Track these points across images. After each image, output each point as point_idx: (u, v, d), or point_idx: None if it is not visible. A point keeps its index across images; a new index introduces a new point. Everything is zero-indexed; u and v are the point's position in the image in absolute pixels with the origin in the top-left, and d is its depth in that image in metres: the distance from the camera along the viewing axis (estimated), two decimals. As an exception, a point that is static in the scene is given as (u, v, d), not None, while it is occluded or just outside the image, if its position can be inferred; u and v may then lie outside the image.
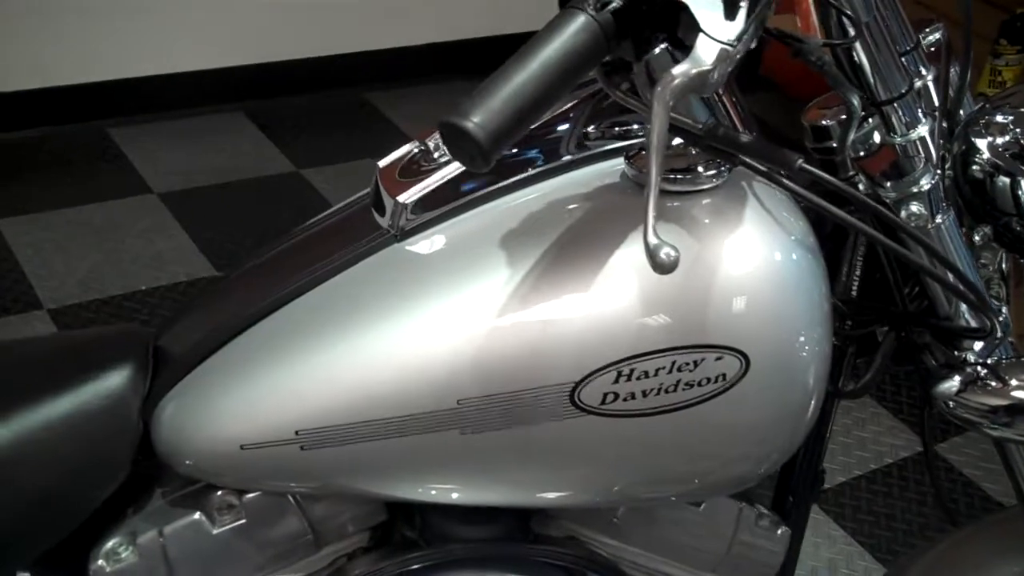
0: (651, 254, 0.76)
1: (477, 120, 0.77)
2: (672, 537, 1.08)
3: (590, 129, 1.00)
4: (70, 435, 0.95)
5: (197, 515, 0.98)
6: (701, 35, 0.80)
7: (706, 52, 0.80)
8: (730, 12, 0.81)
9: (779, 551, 1.11)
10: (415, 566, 1.01)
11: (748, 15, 0.81)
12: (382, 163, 1.02)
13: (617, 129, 1.01)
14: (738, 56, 0.81)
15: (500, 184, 0.97)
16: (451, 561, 1.01)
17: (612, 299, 0.90)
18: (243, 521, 0.98)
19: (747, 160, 0.87)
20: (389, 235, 0.96)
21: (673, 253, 0.76)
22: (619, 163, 0.96)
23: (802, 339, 0.93)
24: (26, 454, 0.94)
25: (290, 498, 1.00)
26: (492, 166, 0.79)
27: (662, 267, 0.76)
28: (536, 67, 0.79)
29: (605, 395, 0.90)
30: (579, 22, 0.80)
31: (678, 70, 0.79)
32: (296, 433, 0.92)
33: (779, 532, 1.10)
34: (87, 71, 3.07)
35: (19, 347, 1.11)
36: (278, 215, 2.87)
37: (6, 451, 0.93)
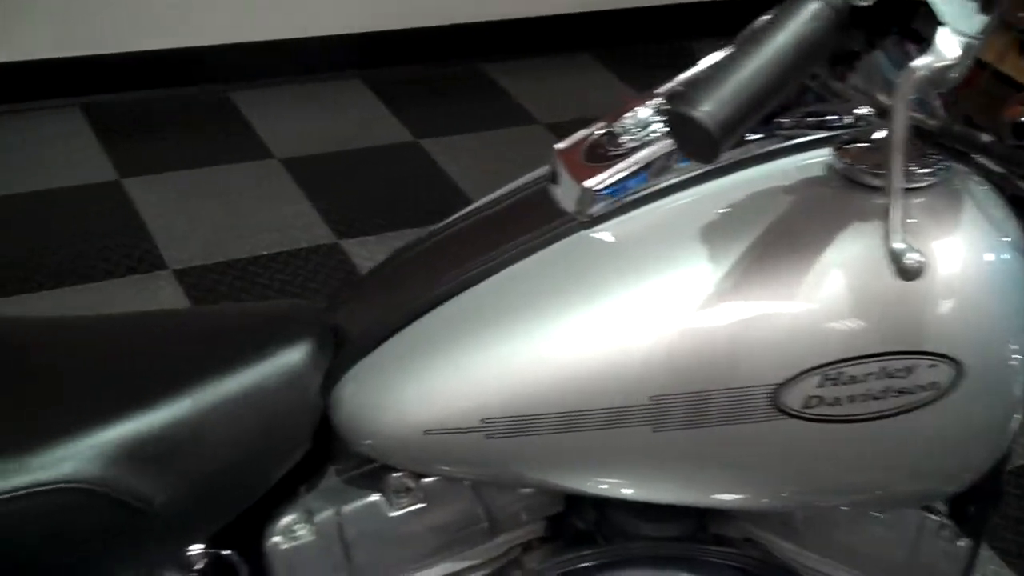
0: (896, 258, 0.73)
1: (707, 109, 0.74)
2: (852, 544, 1.04)
3: (783, 119, 0.97)
4: (252, 409, 0.95)
5: (376, 496, 0.97)
6: (941, 28, 0.76)
7: (948, 46, 0.76)
8: (973, 3, 0.77)
9: (959, 563, 1.07)
10: (593, 562, 0.99)
11: (990, 6, 0.77)
12: (560, 145, 0.99)
13: (811, 119, 0.97)
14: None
15: (694, 173, 0.93)
16: (629, 559, 0.99)
17: (821, 299, 0.87)
18: (421, 505, 0.97)
19: (980, 161, 0.83)
20: (576, 221, 0.93)
21: (919, 258, 0.73)
22: (821, 154, 0.92)
23: (1015, 349, 0.88)
24: (209, 427, 0.93)
25: (467, 484, 0.99)
26: (719, 158, 0.76)
27: (907, 272, 0.73)
28: (769, 55, 0.76)
29: (808, 399, 0.87)
30: (813, 9, 0.76)
31: (920, 63, 0.75)
32: (482, 421, 0.90)
33: (960, 543, 1.06)
34: (209, 34, 3.08)
35: (194, 318, 1.11)
36: (396, 184, 2.87)
37: (189, 423, 0.92)
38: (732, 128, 0.75)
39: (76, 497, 0.87)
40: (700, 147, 0.75)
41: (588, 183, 0.93)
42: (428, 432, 0.91)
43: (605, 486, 0.95)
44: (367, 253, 2.61)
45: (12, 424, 0.90)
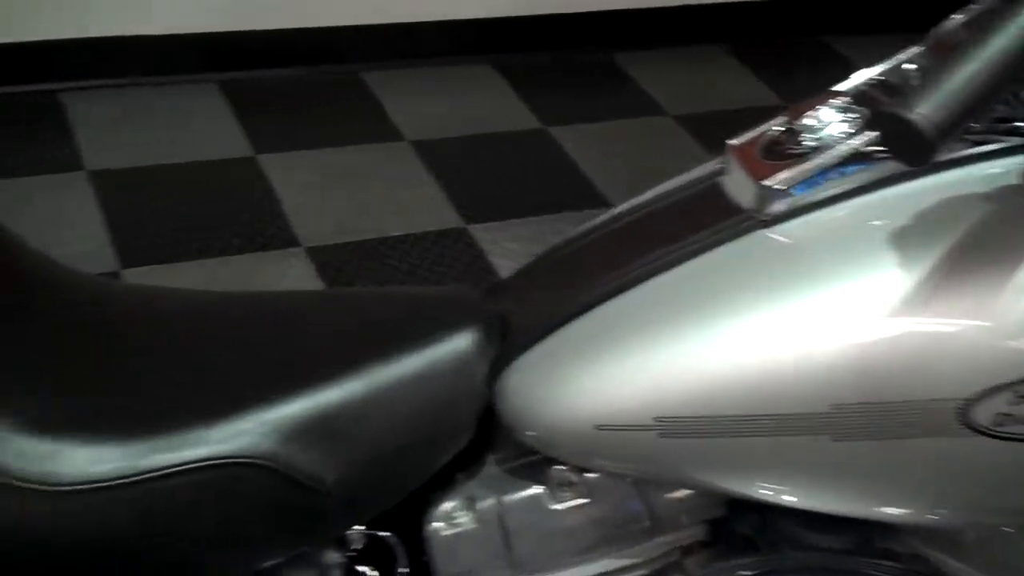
0: None
1: (924, 112, 0.72)
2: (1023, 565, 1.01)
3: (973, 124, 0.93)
4: (420, 394, 0.95)
5: (538, 488, 0.97)
6: None
7: None
8: None
9: None
10: (755, 571, 0.97)
11: None
12: (734, 142, 0.97)
13: (1002, 125, 0.93)
14: None
15: (879, 176, 0.90)
16: (792, 568, 0.97)
17: (1015, 312, 0.83)
18: (584, 500, 0.96)
19: None
20: (755, 220, 0.91)
21: None
22: (1015, 162, 0.89)
23: None
24: (379, 409, 0.93)
25: (629, 481, 0.97)
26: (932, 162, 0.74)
27: None
28: (991, 57, 0.73)
29: (998, 416, 0.83)
30: None
31: None
32: (655, 419, 0.89)
33: None
34: (345, 14, 3.11)
35: (363, 299, 1.12)
36: (524, 171, 2.86)
37: (360, 405, 0.92)
38: (948, 132, 0.72)
39: (249, 472, 0.88)
40: (913, 150, 0.73)
41: (768, 181, 0.91)
42: (600, 427, 0.90)
43: (774, 492, 0.93)
44: (492, 239, 2.61)
45: (189, 396, 0.91)
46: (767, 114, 0.99)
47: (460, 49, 3.28)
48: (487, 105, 3.13)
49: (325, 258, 2.48)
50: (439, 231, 2.62)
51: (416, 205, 2.70)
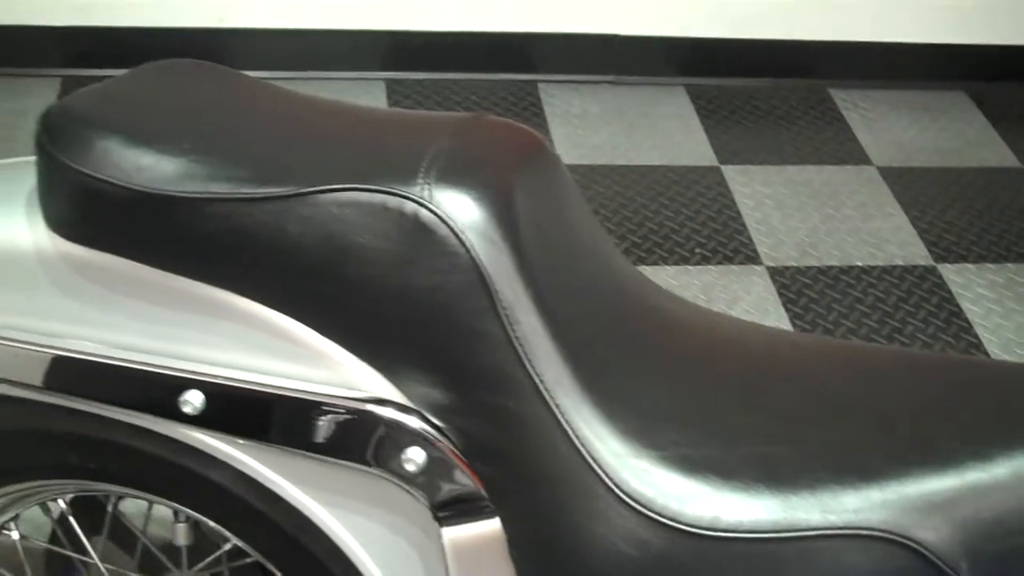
0: None
1: None
2: None
3: None
4: None
5: None
6: None
7: None
8: None
9: None
10: None
11: None
12: None
13: None
14: None
15: None
16: None
17: None
18: None
19: None
20: None
21: None
22: None
23: None
24: (1003, 494, 0.86)
25: None
26: None
27: None
28: None
29: None
30: None
31: None
32: None
33: None
34: (813, 30, 3.02)
35: (958, 367, 1.04)
36: (999, 211, 2.67)
37: (987, 487, 0.85)
38: None
39: (878, 548, 0.83)
40: None
41: None
42: None
43: None
44: (964, 281, 2.46)
45: (836, 454, 0.87)
46: None
47: (932, 74, 3.12)
48: (961, 136, 2.95)
49: (786, 280, 2.42)
50: (906, 266, 2.49)
51: (882, 235, 2.58)
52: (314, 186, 0.84)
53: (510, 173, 0.87)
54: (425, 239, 0.84)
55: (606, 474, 0.83)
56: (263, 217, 0.84)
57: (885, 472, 0.84)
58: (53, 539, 1.26)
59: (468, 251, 0.83)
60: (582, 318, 0.88)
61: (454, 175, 0.85)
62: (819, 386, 0.93)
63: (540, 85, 2.96)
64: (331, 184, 0.84)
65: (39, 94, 2.72)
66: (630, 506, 0.83)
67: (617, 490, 0.83)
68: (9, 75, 2.77)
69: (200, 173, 0.86)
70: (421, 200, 0.84)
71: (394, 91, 2.89)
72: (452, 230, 0.83)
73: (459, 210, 0.83)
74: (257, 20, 2.81)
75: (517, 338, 0.84)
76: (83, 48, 2.78)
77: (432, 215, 0.83)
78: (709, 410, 0.88)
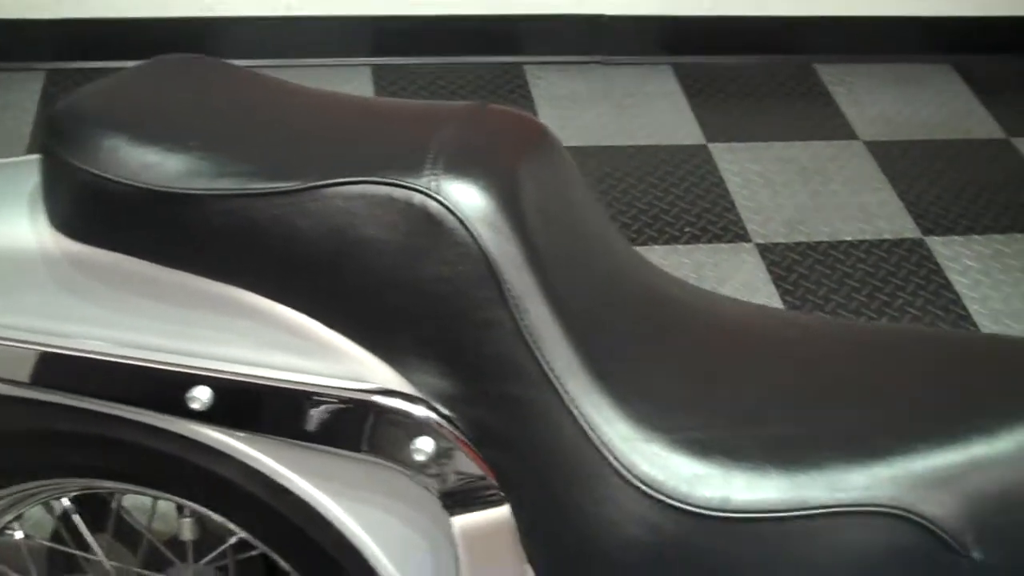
0: None
1: None
2: None
3: None
4: None
5: None
6: None
7: None
8: None
9: None
10: None
11: None
12: None
13: None
14: None
15: None
16: None
17: None
18: None
19: None
20: None
21: None
22: None
23: None
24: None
25: None
26: None
27: None
28: None
29: None
30: None
31: None
32: None
33: None
34: (799, 4, 3.02)
35: (955, 343, 1.05)
36: (985, 184, 2.68)
37: (1004, 464, 0.86)
38: None
39: (886, 524, 0.84)
40: None
41: None
42: None
43: None
44: (951, 254, 2.47)
45: (843, 432, 0.88)
46: None
47: (918, 47, 3.12)
48: (946, 109, 2.96)
49: (776, 257, 2.43)
50: (894, 240, 2.51)
51: (870, 209, 2.59)
52: (322, 180, 0.85)
53: (516, 162, 0.88)
54: (433, 230, 0.84)
55: (616, 458, 0.84)
56: (271, 212, 0.85)
57: (891, 449, 0.85)
58: (56, 537, 1.27)
59: (476, 241, 0.84)
60: (589, 305, 0.89)
61: (461, 166, 0.85)
62: (824, 365, 0.94)
63: (527, 67, 2.96)
64: (339, 177, 0.85)
65: (23, 88, 2.71)
66: (640, 490, 0.84)
67: (627, 474, 0.84)
68: (-7, 69, 2.76)
69: (207, 169, 0.86)
70: (429, 191, 0.84)
71: (380, 77, 2.89)
72: (460, 221, 0.84)
73: (467, 201, 0.84)
74: (243, 8, 2.80)
75: (526, 326, 0.84)
76: (70, 40, 2.77)
77: (440, 206, 0.84)
78: (716, 392, 0.89)
